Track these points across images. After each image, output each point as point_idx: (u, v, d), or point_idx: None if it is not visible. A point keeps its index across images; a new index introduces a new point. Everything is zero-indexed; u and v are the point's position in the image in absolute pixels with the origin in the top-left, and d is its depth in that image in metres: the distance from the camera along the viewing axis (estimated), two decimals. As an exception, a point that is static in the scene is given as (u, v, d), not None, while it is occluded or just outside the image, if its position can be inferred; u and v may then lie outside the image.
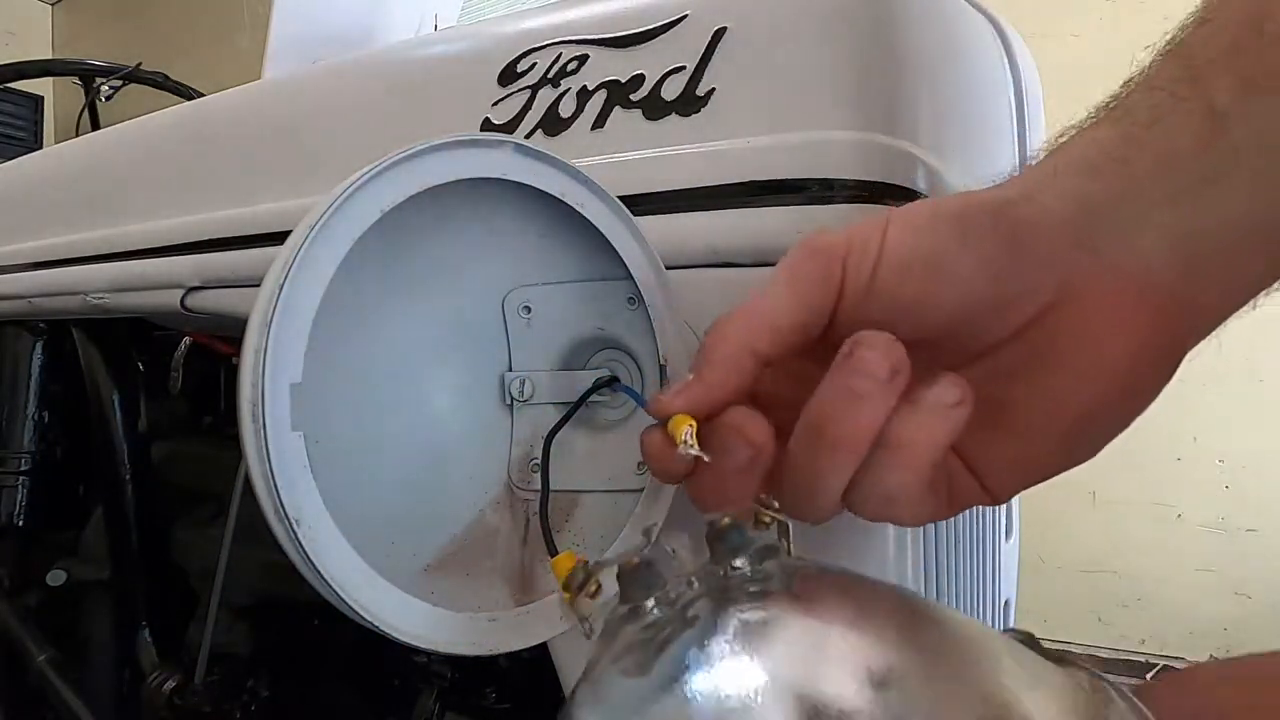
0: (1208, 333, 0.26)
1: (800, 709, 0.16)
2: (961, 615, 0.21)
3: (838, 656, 0.17)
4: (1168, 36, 0.25)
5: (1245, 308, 0.26)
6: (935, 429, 0.24)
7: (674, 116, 0.40)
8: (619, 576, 0.22)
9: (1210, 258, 0.24)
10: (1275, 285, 0.25)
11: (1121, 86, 0.26)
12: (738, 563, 0.21)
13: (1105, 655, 1.85)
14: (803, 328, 0.25)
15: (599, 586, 0.24)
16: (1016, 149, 0.48)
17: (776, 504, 0.23)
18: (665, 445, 0.26)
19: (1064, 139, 0.26)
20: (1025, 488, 0.28)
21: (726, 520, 0.22)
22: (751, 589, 0.20)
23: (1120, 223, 0.24)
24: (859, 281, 0.25)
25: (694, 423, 0.25)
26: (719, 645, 0.18)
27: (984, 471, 0.27)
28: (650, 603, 0.21)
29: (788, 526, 0.23)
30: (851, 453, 0.24)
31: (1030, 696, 0.16)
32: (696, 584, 0.21)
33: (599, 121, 0.42)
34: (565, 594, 0.25)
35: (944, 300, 0.25)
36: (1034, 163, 0.26)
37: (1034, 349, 0.25)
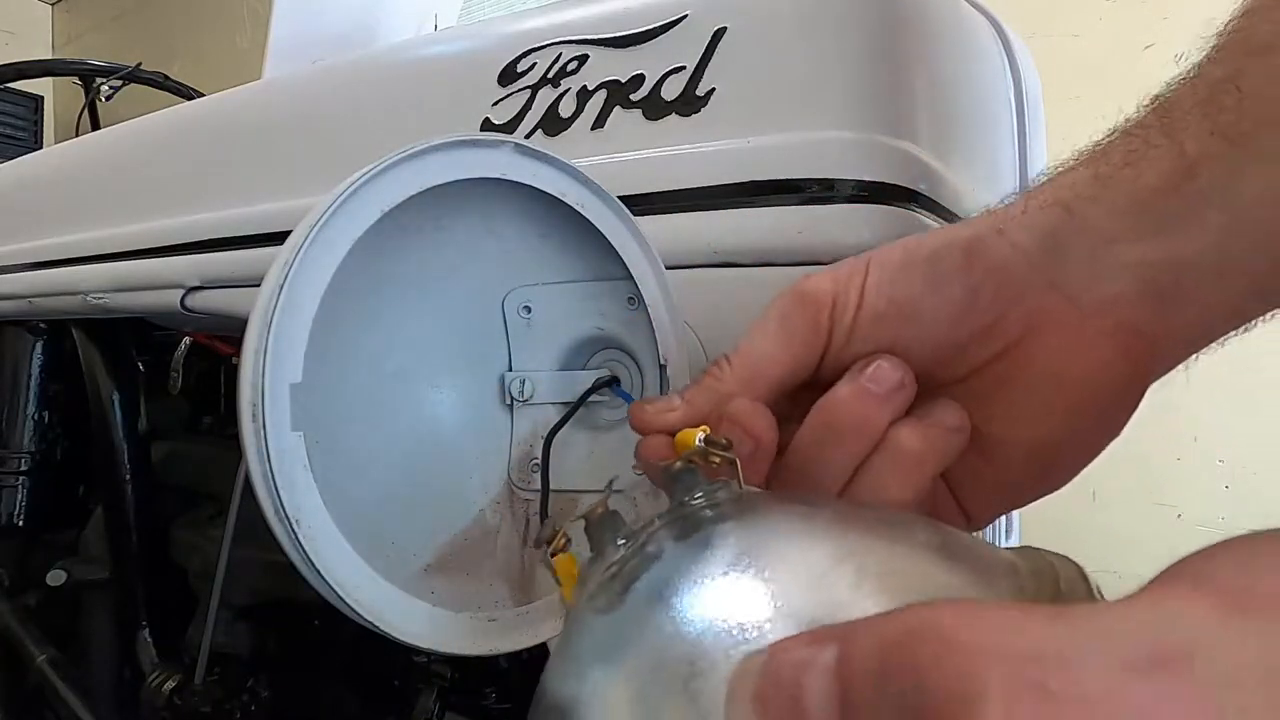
0: (1176, 363, 0.27)
1: (768, 613, 0.16)
2: (907, 516, 0.22)
3: (793, 559, 0.18)
4: (1155, 93, 0.26)
5: (1220, 340, 0.26)
6: (936, 442, 0.26)
7: (674, 116, 0.40)
8: (585, 527, 0.23)
9: (1178, 292, 0.25)
10: (1249, 322, 0.26)
11: (1104, 135, 0.27)
12: (694, 498, 0.22)
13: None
14: (793, 375, 0.27)
15: (568, 541, 0.25)
16: (1016, 149, 0.48)
17: (725, 442, 0.24)
18: (667, 454, 0.26)
19: (1042, 179, 0.27)
20: (1003, 513, 0.29)
21: (679, 464, 0.23)
22: (708, 514, 0.21)
23: (1086, 257, 0.25)
24: (842, 328, 0.27)
25: (706, 430, 0.25)
26: (681, 565, 0.19)
27: (964, 495, 0.29)
28: (615, 545, 0.22)
29: (737, 463, 0.24)
30: (857, 443, 0.26)
31: (950, 569, 0.17)
32: (657, 522, 0.22)
33: (599, 121, 0.42)
34: (534, 549, 0.26)
35: (917, 341, 0.26)
36: (1010, 202, 0.28)
37: (1003, 379, 0.27)
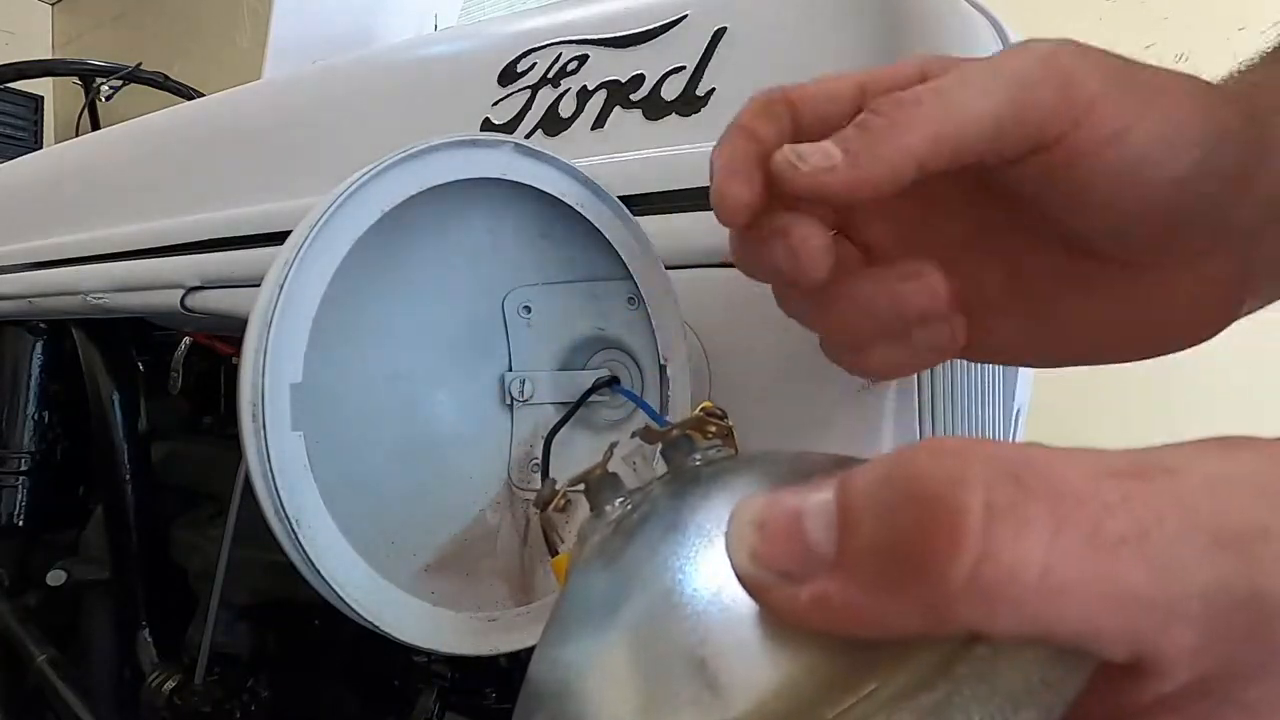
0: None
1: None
2: None
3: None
4: None
5: None
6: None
7: (674, 116, 0.40)
8: (584, 489, 0.23)
9: None
10: None
11: None
12: (692, 460, 0.23)
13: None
14: (995, 146, 0.21)
15: (567, 501, 0.25)
16: (1016, 149, 0.48)
17: (721, 412, 0.24)
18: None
19: None
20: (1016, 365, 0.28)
21: (675, 431, 0.24)
22: (707, 470, 0.22)
23: None
24: (1091, 143, 0.21)
25: (708, 404, 0.25)
26: (683, 513, 0.19)
27: (990, 344, 0.27)
28: (615, 504, 0.22)
29: (733, 432, 0.24)
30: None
31: None
32: (656, 481, 0.23)
33: (599, 121, 0.42)
34: (535, 509, 0.26)
35: (1156, 205, 0.22)
36: None
37: (1147, 279, 0.25)
